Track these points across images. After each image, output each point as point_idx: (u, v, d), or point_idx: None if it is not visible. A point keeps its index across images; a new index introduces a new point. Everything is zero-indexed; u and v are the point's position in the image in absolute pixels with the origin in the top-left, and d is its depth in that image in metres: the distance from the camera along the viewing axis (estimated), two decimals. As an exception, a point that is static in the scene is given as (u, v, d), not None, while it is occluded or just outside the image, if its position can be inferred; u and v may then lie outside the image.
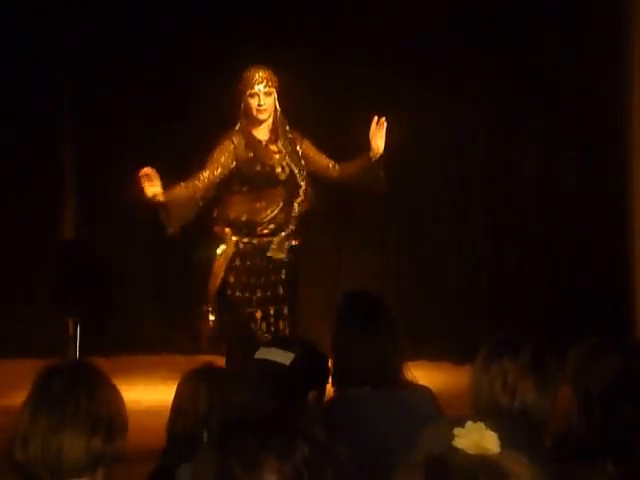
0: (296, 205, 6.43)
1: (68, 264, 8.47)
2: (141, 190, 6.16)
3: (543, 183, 8.29)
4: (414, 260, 8.45)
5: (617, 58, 7.83)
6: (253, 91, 6.32)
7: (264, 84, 6.32)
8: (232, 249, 6.42)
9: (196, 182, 6.29)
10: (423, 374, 5.54)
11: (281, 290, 6.45)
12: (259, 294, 6.41)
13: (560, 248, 8.22)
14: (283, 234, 6.43)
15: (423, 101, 8.13)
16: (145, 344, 8.59)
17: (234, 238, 6.44)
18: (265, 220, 6.40)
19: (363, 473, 2.43)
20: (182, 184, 6.29)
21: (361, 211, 8.31)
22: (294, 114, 6.64)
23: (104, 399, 2.35)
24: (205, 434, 3.18)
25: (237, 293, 6.43)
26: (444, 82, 8.20)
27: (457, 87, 8.21)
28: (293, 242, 6.48)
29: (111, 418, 2.34)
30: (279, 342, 3.17)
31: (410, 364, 3.37)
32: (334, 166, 6.51)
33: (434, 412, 3.20)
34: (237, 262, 6.44)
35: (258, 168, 6.38)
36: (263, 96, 6.33)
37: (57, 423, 2.30)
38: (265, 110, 6.36)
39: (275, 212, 6.40)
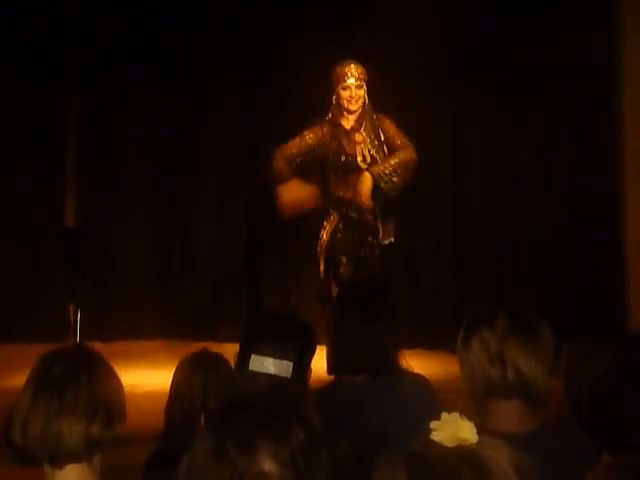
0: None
1: (69, 250, 8.51)
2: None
3: (541, 181, 8.27)
4: (411, 247, 8.46)
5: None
6: (346, 84, 6.93)
7: (355, 78, 6.91)
8: (336, 221, 7.06)
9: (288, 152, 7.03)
10: (419, 363, 5.59)
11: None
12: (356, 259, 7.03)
13: (558, 244, 8.21)
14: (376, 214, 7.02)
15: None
16: (144, 329, 8.61)
17: (336, 213, 7.06)
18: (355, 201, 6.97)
19: (357, 460, 2.44)
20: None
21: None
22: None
23: (104, 385, 2.37)
24: (203, 418, 3.21)
25: (338, 256, 7.04)
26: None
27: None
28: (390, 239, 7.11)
29: (110, 404, 2.36)
30: (270, 332, 2.85)
31: (407, 352, 3.39)
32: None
33: (430, 401, 3.21)
34: (340, 234, 7.05)
35: (343, 159, 6.98)
36: (355, 89, 6.91)
37: (57, 408, 2.31)
38: (356, 102, 6.93)
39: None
